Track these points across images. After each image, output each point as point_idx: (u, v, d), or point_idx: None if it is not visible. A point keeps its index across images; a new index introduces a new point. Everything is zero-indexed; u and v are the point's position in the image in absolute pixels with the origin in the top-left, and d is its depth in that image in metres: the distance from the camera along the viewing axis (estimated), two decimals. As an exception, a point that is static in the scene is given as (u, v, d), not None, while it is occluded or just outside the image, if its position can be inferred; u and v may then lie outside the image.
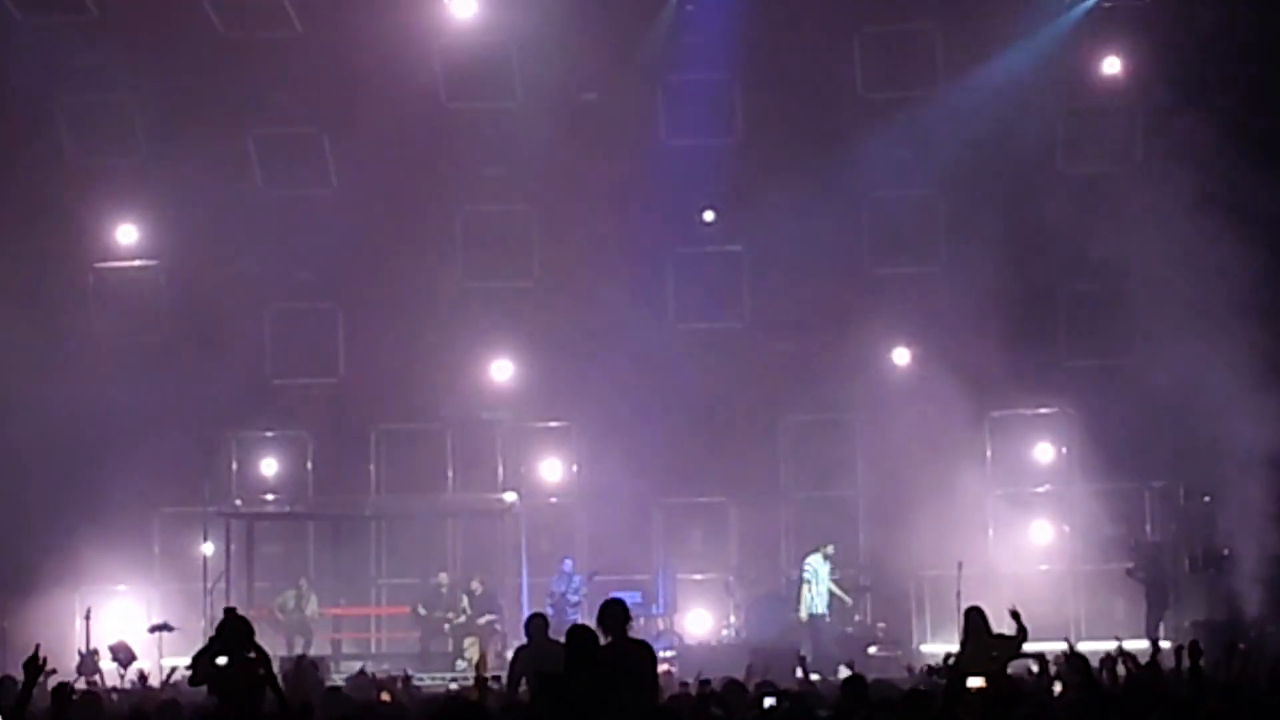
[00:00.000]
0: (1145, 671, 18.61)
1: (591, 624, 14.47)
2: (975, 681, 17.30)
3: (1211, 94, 29.80)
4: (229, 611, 16.33)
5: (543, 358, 32.32)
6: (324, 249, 31.99)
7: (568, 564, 30.79)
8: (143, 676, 22.35)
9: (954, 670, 18.40)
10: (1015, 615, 18.57)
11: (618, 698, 13.62)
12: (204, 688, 16.03)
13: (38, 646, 13.43)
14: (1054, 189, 31.59)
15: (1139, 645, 26.32)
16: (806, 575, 29.39)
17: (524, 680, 16.72)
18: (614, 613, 14.80)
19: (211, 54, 31.43)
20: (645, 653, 14.68)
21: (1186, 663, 16.65)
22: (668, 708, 14.47)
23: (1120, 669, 18.45)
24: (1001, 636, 18.91)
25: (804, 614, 29.22)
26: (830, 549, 29.55)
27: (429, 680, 26.60)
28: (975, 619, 18.76)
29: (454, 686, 23.25)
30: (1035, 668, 18.10)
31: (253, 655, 15.40)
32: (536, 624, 17.89)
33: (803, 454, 33.24)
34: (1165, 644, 27.32)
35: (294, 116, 32.34)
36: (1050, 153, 32.01)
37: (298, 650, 29.06)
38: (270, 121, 32.44)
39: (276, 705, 14.33)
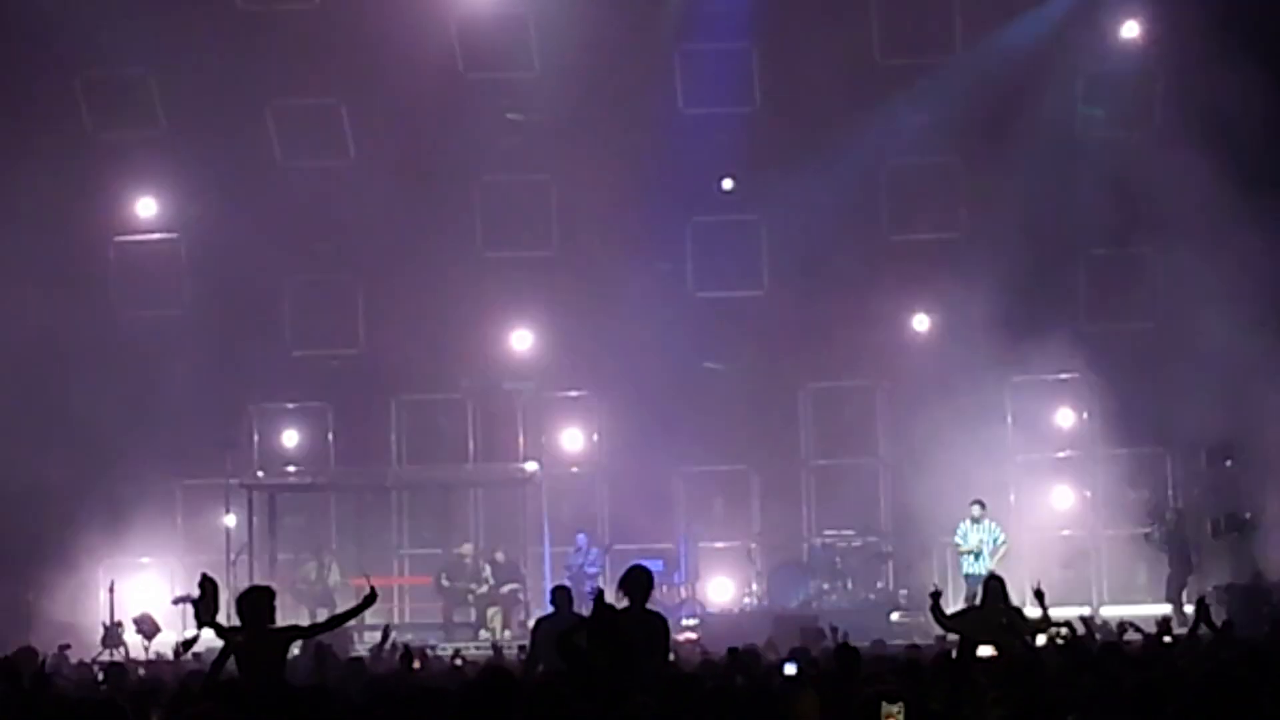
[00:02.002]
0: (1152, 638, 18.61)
1: (610, 595, 14.45)
2: (985, 650, 17.24)
3: (1231, 56, 29.62)
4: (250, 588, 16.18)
5: (562, 327, 32.31)
6: (343, 220, 32.03)
7: (581, 539, 30.81)
8: (178, 650, 22.35)
9: (960, 631, 18.29)
10: (1039, 595, 18.20)
11: (634, 667, 13.63)
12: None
13: (44, 657, 13.38)
14: (1073, 153, 31.52)
15: (1163, 610, 26.44)
16: (957, 541, 29.31)
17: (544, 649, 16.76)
18: (637, 579, 14.78)
19: (230, 27, 31.45)
20: (658, 624, 14.67)
21: (1205, 629, 16.59)
22: (690, 676, 14.48)
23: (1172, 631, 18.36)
24: (1019, 611, 18.69)
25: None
26: (975, 510, 28.90)
27: (452, 650, 26.62)
28: (994, 586, 18.59)
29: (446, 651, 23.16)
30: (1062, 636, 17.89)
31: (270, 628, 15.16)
32: (561, 595, 17.97)
33: (823, 421, 33.26)
34: (1187, 608, 27.32)
35: (312, 88, 32.31)
36: (1069, 117, 31.93)
37: (321, 619, 29.08)
38: (288, 93, 32.44)
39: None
